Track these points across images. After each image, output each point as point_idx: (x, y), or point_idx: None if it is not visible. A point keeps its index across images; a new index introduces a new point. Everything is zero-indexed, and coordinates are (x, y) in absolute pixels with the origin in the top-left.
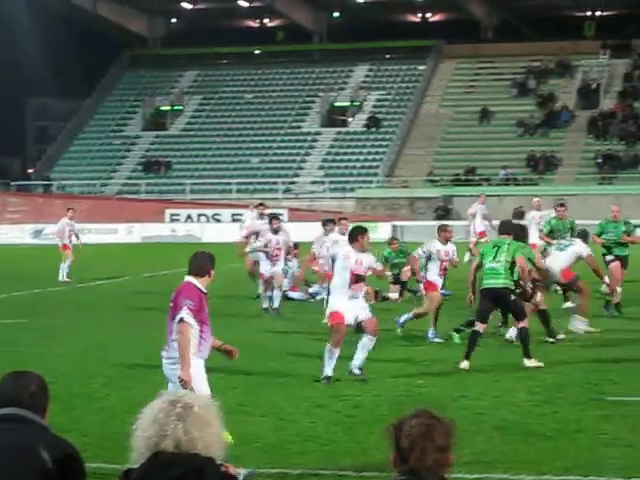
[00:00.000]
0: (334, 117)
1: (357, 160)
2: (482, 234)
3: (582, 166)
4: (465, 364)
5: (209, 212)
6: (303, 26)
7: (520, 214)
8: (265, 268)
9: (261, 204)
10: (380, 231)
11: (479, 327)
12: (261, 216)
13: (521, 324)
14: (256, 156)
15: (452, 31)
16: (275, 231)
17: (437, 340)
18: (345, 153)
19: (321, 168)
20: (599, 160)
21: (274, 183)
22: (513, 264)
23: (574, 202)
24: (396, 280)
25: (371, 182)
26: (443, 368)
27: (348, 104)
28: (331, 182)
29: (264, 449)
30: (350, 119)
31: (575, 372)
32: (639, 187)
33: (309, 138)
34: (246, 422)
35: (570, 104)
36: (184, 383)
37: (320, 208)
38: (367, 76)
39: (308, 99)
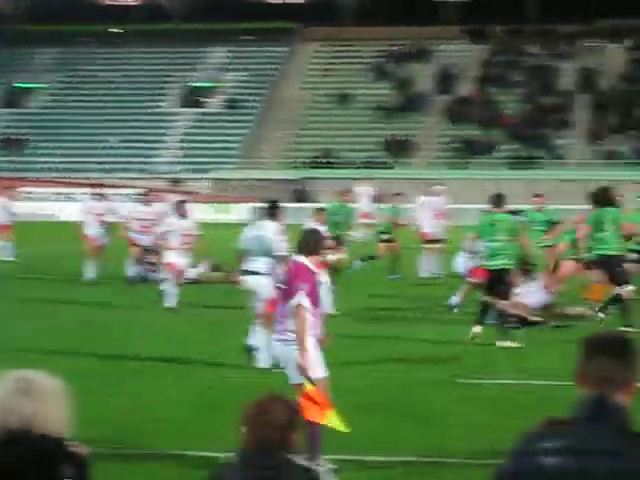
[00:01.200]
0: (193, 98)
1: (215, 141)
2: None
3: (438, 150)
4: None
5: (65, 191)
6: (163, 6)
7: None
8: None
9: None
10: (236, 212)
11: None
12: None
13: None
14: (115, 135)
15: (311, 14)
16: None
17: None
18: (204, 134)
19: (180, 148)
20: (455, 145)
21: (132, 163)
22: None
23: (430, 186)
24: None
25: (229, 164)
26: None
27: (207, 85)
28: (189, 163)
29: (116, 429)
30: (208, 100)
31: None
32: (494, 172)
33: (168, 118)
34: (97, 403)
35: (428, 89)
36: (303, 370)
37: (178, 188)
38: (226, 57)
39: (167, 79)
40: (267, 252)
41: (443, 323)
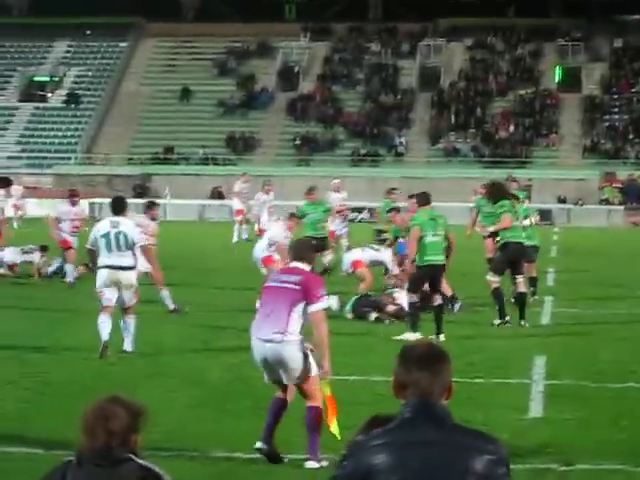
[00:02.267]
0: (33, 92)
1: (55, 136)
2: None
3: (281, 147)
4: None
5: None
6: None
7: None
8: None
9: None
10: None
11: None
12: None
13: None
14: None
15: (153, 9)
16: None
17: None
18: (44, 129)
19: (18, 143)
20: (297, 142)
21: None
22: None
23: (273, 182)
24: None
25: (69, 159)
26: (139, 348)
27: (47, 79)
28: (28, 157)
29: None
30: (49, 94)
31: None
32: (335, 169)
33: (6, 112)
34: None
35: (270, 85)
36: (325, 373)
37: (17, 184)
38: (67, 51)
39: (6, 73)
40: (130, 246)
41: None
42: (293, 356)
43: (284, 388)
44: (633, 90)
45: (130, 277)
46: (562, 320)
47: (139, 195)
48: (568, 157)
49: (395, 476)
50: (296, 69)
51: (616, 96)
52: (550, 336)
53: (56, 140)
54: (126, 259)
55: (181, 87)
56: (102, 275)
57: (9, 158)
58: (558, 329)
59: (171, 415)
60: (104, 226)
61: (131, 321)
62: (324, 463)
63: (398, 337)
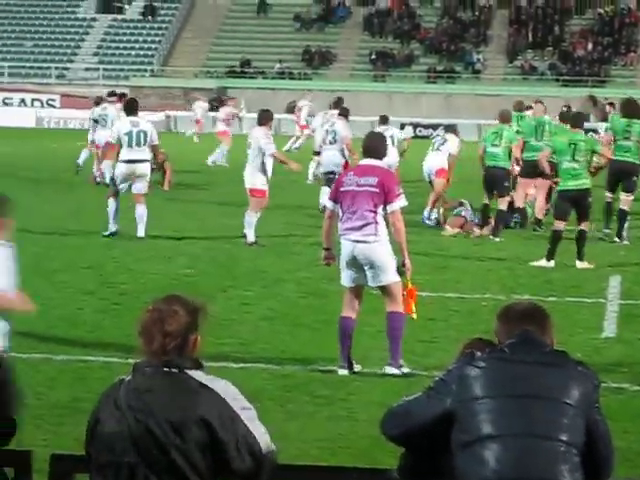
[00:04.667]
0: (110, 4)
1: (132, 48)
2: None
3: (357, 62)
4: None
5: None
6: None
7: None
8: None
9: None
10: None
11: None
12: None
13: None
14: (29, 40)
15: None
16: None
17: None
18: (120, 40)
19: (95, 55)
20: (373, 57)
21: (47, 68)
22: None
23: (348, 98)
24: None
25: (145, 71)
26: (212, 258)
27: None
28: (105, 69)
29: (27, 334)
30: (126, 6)
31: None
32: (412, 86)
33: (84, 24)
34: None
35: (347, 0)
36: (407, 269)
37: (93, 95)
38: None
39: None
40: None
41: None
42: (383, 256)
43: (358, 297)
44: None
45: (145, 168)
46: (635, 240)
47: (215, 108)
48: None
49: (484, 381)
50: None
51: None
52: (626, 256)
53: (133, 52)
54: (143, 153)
55: (258, 0)
56: (122, 168)
57: (87, 70)
58: (634, 249)
59: (246, 327)
60: (126, 125)
61: (143, 210)
62: (405, 370)
63: (535, 263)
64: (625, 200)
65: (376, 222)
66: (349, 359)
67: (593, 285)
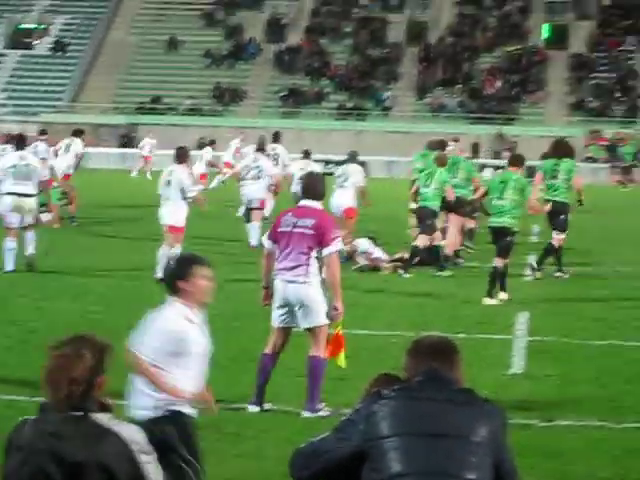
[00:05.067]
0: (19, 39)
1: (42, 84)
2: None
3: (267, 99)
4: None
5: None
6: None
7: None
8: None
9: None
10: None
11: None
12: None
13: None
14: None
15: None
16: None
17: None
18: (30, 76)
19: (4, 90)
20: (284, 94)
21: None
22: None
23: (258, 135)
24: None
25: (54, 107)
26: (121, 295)
27: (34, 26)
28: (14, 105)
29: None
30: (36, 42)
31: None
32: (321, 122)
33: None
34: None
35: (258, 37)
36: (338, 313)
37: (2, 131)
38: None
39: None
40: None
41: None
42: (313, 297)
43: (284, 338)
44: (620, 48)
45: (31, 203)
46: (546, 276)
47: (124, 145)
48: (554, 114)
49: (392, 420)
50: (284, 21)
51: (603, 54)
52: (533, 293)
53: (42, 88)
54: (28, 188)
55: (168, 37)
56: (7, 199)
57: None
58: (541, 285)
59: None
60: (13, 159)
61: (32, 235)
62: (323, 413)
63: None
64: (555, 238)
65: (308, 264)
66: (261, 396)
67: (502, 321)
